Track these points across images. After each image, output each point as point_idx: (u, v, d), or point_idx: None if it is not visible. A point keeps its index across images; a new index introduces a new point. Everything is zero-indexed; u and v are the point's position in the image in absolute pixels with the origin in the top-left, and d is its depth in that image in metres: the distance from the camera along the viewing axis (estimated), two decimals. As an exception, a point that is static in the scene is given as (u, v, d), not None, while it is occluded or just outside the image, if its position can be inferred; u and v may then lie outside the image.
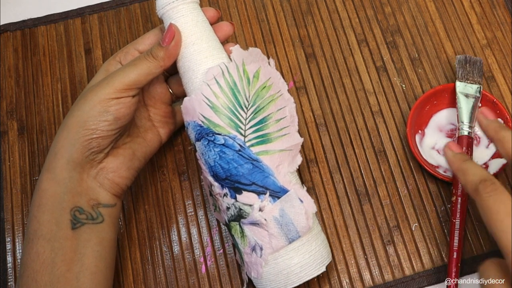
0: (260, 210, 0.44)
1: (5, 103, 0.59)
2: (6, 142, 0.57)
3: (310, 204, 0.45)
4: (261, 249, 0.44)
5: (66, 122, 0.45)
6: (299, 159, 0.47)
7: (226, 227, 0.49)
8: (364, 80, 0.59)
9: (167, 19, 0.46)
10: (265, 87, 0.46)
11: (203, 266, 0.52)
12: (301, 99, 0.58)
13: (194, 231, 0.53)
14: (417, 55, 0.60)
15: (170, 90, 0.51)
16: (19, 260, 0.52)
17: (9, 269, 0.52)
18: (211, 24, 0.48)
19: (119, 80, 0.44)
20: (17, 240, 0.53)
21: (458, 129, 0.53)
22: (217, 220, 0.53)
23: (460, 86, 0.54)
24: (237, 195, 0.44)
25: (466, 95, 0.54)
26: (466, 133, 0.52)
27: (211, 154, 0.45)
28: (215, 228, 0.53)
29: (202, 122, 0.44)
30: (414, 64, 0.59)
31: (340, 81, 0.59)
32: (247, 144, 0.44)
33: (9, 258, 0.53)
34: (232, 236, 0.47)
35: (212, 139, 0.44)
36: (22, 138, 0.58)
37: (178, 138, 0.57)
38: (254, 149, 0.44)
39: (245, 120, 0.45)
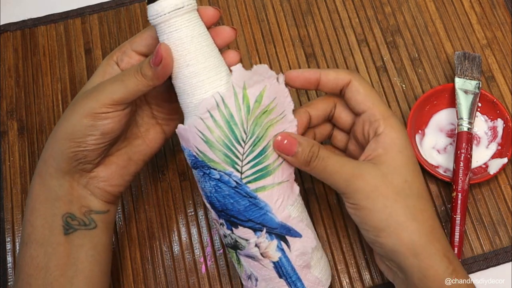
0: (256, 246, 0.42)
1: (5, 103, 0.59)
2: (6, 142, 0.57)
3: (309, 239, 0.44)
4: (257, 280, 0.44)
5: (56, 131, 0.43)
6: (296, 189, 0.44)
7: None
8: (364, 80, 0.59)
9: (159, 31, 0.41)
10: (265, 111, 0.42)
11: (203, 266, 0.52)
12: (301, 99, 0.58)
13: (194, 231, 0.53)
14: (417, 55, 0.60)
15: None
16: (19, 260, 0.53)
17: (9, 269, 0.52)
18: (211, 26, 0.43)
19: (105, 95, 0.42)
20: (17, 240, 0.53)
21: (458, 125, 0.53)
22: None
23: (459, 82, 0.54)
24: (233, 228, 0.43)
25: (465, 91, 0.54)
26: (465, 129, 0.52)
27: (207, 186, 0.43)
28: (215, 228, 0.53)
29: (197, 154, 0.42)
30: (414, 64, 0.59)
31: (340, 81, 0.59)
32: (244, 180, 0.41)
33: (9, 258, 0.53)
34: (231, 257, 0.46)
35: (207, 172, 0.42)
36: (22, 138, 0.58)
37: (178, 138, 0.57)
38: (252, 186, 0.41)
39: (242, 155, 0.41)
